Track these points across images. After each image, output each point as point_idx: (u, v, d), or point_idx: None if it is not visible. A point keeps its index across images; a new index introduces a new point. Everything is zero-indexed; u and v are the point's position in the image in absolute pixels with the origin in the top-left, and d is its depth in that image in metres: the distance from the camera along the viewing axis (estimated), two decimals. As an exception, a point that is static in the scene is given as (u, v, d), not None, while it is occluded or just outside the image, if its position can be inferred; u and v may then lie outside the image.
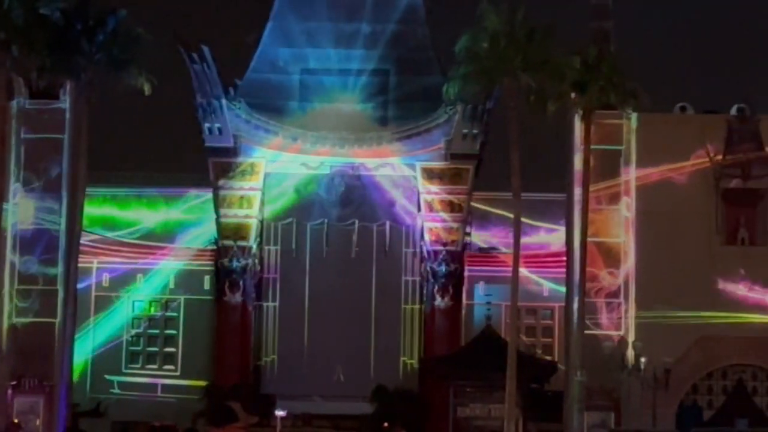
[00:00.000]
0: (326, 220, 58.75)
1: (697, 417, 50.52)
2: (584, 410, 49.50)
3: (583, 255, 50.43)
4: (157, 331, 59.70)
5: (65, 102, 53.51)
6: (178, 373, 58.88)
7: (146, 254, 59.40)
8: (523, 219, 49.58)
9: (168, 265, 59.61)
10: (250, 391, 55.66)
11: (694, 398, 52.60)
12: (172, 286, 59.66)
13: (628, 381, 51.54)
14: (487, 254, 58.18)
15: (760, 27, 65.23)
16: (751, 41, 67.65)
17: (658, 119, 53.85)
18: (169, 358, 59.59)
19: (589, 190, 50.86)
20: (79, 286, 52.93)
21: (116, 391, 57.73)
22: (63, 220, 53.01)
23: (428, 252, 57.47)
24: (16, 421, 49.12)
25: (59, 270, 52.62)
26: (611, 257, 52.96)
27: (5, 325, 51.71)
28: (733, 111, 53.72)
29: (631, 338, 52.29)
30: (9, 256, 52.21)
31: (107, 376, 58.39)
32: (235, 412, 50.92)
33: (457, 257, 57.22)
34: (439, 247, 57.20)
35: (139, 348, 59.57)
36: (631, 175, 53.52)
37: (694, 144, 53.64)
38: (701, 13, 61.99)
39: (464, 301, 57.87)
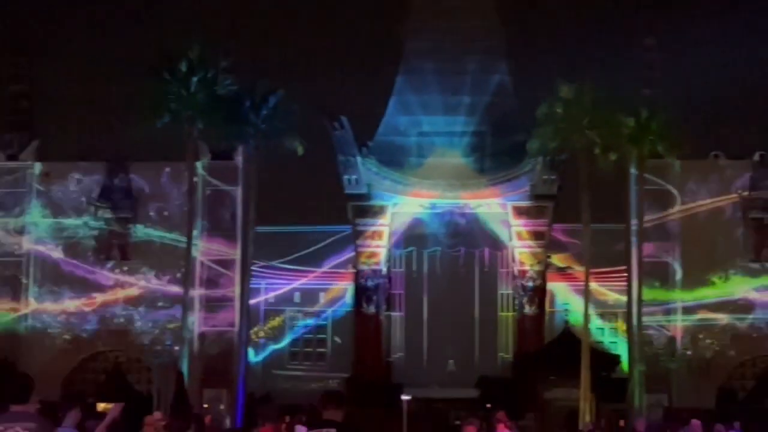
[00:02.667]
0: (439, 249, 59.07)
1: (733, 397, 50.43)
2: (644, 393, 49.57)
3: (640, 272, 50.86)
4: (311, 336, 60.02)
5: (238, 161, 54.58)
6: (327, 368, 59.27)
7: (302, 276, 59.80)
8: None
9: (319, 285, 60.08)
10: (383, 382, 55.92)
11: (730, 383, 52.60)
12: (322, 300, 60.08)
13: (678, 369, 51.68)
14: (563, 272, 58.07)
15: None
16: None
17: (697, 164, 54.23)
18: (320, 357, 59.97)
19: (643, 221, 51.33)
20: (251, 302, 54.23)
21: (281, 382, 58.06)
22: (238, 254, 54.24)
23: (518, 271, 57.67)
24: (205, 406, 50.20)
25: (236, 291, 53.61)
26: (662, 274, 53.26)
27: (195, 336, 52.74)
28: (756, 157, 53.79)
29: (679, 336, 52.36)
30: (196, 288, 53.16)
31: (274, 371, 59.01)
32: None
33: (540, 275, 57.34)
34: (527, 268, 57.35)
35: (297, 349, 59.92)
36: (676, 209, 53.76)
37: (727, 184, 53.78)
38: (730, 75, 61.65)
39: (547, 308, 57.80)
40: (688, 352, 51.85)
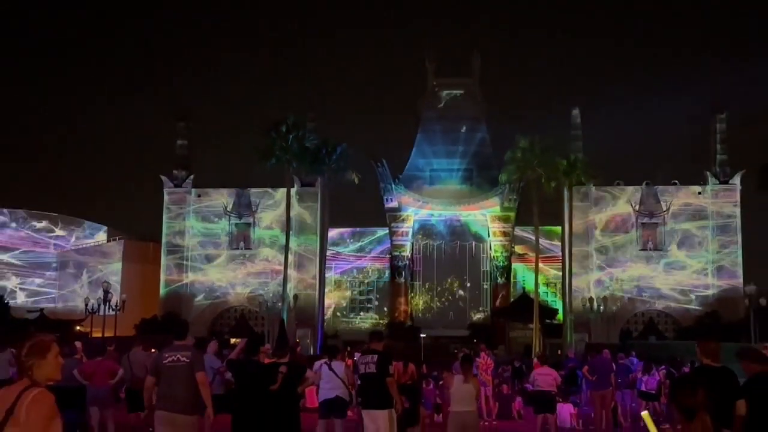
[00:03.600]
0: (443, 242, 58.68)
1: (630, 336, 50.18)
2: (573, 333, 49.05)
3: (570, 256, 50.30)
4: (363, 297, 59.80)
5: (318, 188, 53.99)
6: (375, 316, 59.00)
7: (358, 259, 59.70)
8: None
9: (368, 265, 59.83)
10: (408, 324, 55.30)
11: (628, 326, 52.05)
12: (370, 274, 59.83)
13: (594, 318, 51.20)
14: (522, 257, 57.63)
15: (660, 130, 64.48)
16: (653, 139, 66.94)
17: (606, 189, 53.73)
18: (369, 309, 59.61)
19: (573, 225, 50.76)
20: (326, 275, 54.08)
21: (345, 325, 58.08)
22: (317, 245, 53.82)
23: (493, 256, 57.26)
24: (297, 340, 49.30)
25: (317, 269, 52.90)
26: (584, 257, 52.61)
27: (291, 297, 52.21)
28: (643, 184, 53.24)
29: (595, 297, 51.89)
30: (291, 267, 52.43)
31: (340, 318, 59.00)
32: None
33: (507, 259, 57.00)
34: (499, 254, 56.93)
35: (355, 305, 59.75)
36: (593, 217, 53.22)
37: (626, 201, 53.28)
38: (626, 131, 61.59)
39: (512, 280, 57.46)
40: (602, 308, 51.32)
